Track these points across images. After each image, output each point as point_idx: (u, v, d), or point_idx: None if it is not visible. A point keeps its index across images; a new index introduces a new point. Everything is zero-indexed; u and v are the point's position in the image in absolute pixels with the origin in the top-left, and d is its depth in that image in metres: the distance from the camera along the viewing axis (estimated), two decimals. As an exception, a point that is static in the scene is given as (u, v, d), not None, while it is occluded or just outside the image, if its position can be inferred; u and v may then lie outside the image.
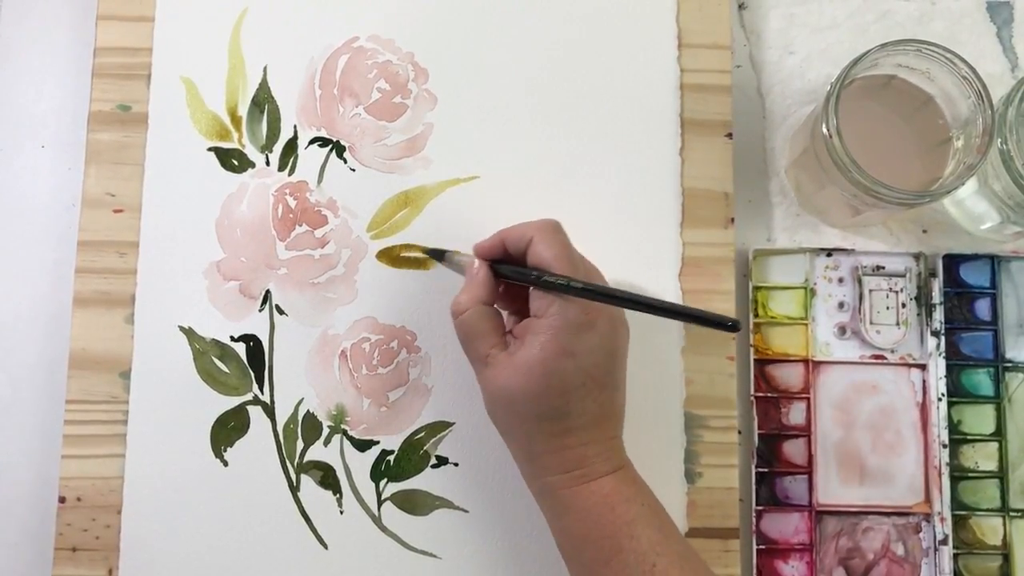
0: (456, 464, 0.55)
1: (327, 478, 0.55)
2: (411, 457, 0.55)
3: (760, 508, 0.56)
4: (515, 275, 0.49)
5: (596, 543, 0.46)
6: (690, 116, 0.58)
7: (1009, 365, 0.58)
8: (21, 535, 0.56)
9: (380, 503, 0.55)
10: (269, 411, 0.55)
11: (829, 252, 0.59)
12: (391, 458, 0.55)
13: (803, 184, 0.59)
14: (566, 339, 0.46)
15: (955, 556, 0.56)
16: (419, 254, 0.56)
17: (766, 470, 0.57)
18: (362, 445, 0.55)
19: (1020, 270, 0.59)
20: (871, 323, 0.58)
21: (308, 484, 0.55)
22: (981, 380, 0.58)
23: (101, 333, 0.55)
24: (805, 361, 0.58)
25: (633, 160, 0.58)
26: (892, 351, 0.58)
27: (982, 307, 0.58)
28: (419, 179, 0.57)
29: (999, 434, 0.57)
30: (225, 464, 0.55)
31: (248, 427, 0.55)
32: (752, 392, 0.57)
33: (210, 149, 0.57)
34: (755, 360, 0.58)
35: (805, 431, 0.57)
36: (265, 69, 0.58)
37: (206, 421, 0.55)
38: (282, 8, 0.58)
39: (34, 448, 0.57)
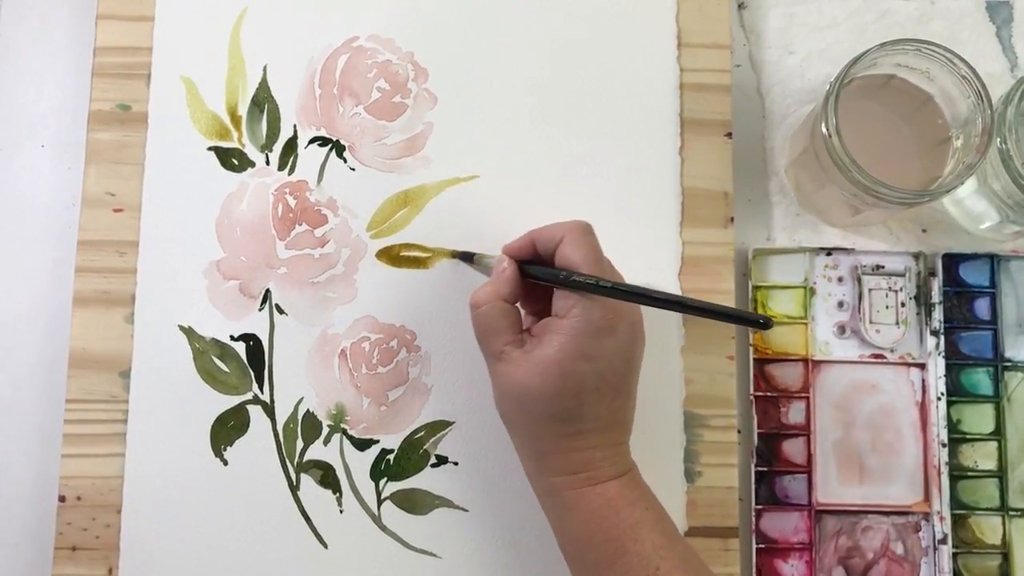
0: (456, 463, 0.55)
1: (327, 477, 0.55)
2: (411, 456, 0.55)
3: (760, 507, 0.56)
4: (543, 275, 0.48)
5: (600, 545, 0.46)
6: (690, 116, 0.58)
7: (1008, 364, 0.58)
8: (21, 534, 0.56)
9: (380, 502, 0.55)
10: (269, 410, 0.55)
11: (829, 251, 0.59)
12: (391, 457, 0.55)
13: (803, 183, 0.59)
14: (586, 342, 0.45)
15: (954, 555, 0.56)
16: (420, 253, 0.56)
17: (766, 469, 0.57)
18: (362, 444, 0.55)
19: (1019, 269, 0.59)
20: (871, 322, 0.58)
21: (308, 483, 0.55)
22: (980, 379, 0.58)
23: (101, 332, 0.55)
24: (805, 360, 0.58)
25: (633, 160, 0.58)
26: (892, 350, 0.58)
27: (981, 306, 0.58)
28: (419, 178, 0.57)
29: (998, 433, 0.57)
30: (225, 463, 0.55)
31: (248, 426, 0.55)
32: (752, 391, 0.57)
33: (210, 148, 0.57)
34: (755, 359, 0.58)
35: (805, 430, 0.57)
36: (265, 69, 0.58)
37: (206, 420, 0.55)
38: (282, 8, 0.58)
39: (34, 447, 0.57)
